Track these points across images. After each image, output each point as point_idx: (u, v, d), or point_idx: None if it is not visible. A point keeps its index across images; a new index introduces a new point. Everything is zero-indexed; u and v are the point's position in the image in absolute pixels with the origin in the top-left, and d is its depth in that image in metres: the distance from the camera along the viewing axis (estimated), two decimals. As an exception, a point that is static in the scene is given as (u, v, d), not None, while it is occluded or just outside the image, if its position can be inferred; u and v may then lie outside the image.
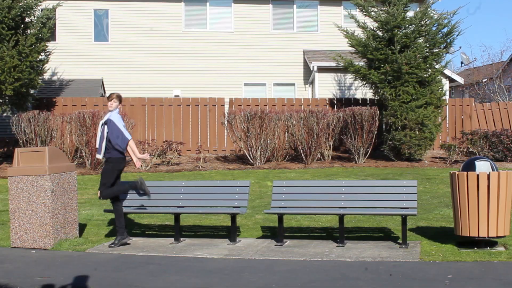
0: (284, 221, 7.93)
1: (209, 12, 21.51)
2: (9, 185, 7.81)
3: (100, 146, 7.81)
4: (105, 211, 8.43)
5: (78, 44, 20.71)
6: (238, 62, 21.25)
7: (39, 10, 15.96)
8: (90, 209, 10.13)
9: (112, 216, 9.47)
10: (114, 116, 7.84)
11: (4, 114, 18.08)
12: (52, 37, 18.43)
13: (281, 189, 8.02)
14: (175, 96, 20.20)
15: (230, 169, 14.58)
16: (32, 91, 16.47)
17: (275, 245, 7.63)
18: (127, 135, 7.83)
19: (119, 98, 8.00)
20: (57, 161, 7.91)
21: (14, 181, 7.76)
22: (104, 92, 20.41)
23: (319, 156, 15.49)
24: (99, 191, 7.85)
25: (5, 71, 14.25)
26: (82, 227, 8.78)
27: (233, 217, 7.91)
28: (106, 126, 7.77)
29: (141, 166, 14.54)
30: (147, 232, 8.83)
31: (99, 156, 7.87)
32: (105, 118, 7.87)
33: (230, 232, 7.99)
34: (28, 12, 15.36)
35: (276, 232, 8.03)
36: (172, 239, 8.12)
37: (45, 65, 15.93)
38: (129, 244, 7.83)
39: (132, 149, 7.90)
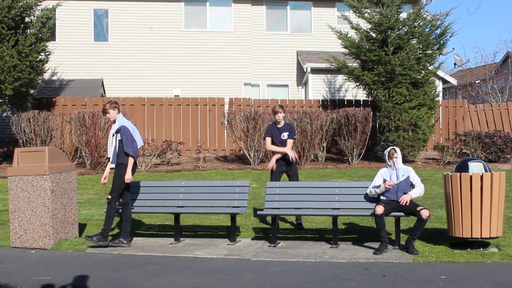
0: (277, 222, 8.00)
1: (209, 12, 21.56)
2: (9, 185, 7.85)
3: (114, 155, 7.76)
4: (104, 211, 8.50)
5: (78, 44, 20.77)
6: (238, 62, 21.32)
7: (39, 10, 16.02)
8: (90, 209, 10.20)
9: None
10: (125, 123, 7.81)
11: (4, 114, 18.16)
12: (52, 37, 18.47)
13: (274, 190, 8.08)
14: (175, 96, 20.28)
15: (230, 169, 14.66)
16: (32, 91, 16.54)
17: (268, 246, 7.69)
18: (140, 142, 7.85)
19: (114, 105, 7.86)
20: (57, 161, 7.96)
21: (14, 181, 7.81)
22: (104, 92, 20.48)
23: (313, 157, 15.56)
24: (109, 196, 7.77)
25: (5, 71, 14.32)
26: (82, 227, 8.84)
27: (233, 217, 7.98)
28: (119, 134, 7.73)
29: (142, 166, 14.62)
30: (147, 232, 8.90)
31: (112, 165, 7.83)
32: (115, 127, 7.79)
33: (230, 232, 8.06)
34: (28, 12, 15.42)
35: (269, 233, 8.10)
36: (172, 239, 8.19)
37: (45, 65, 15.99)
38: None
39: (128, 163, 7.74)
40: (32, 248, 7.74)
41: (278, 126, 8.81)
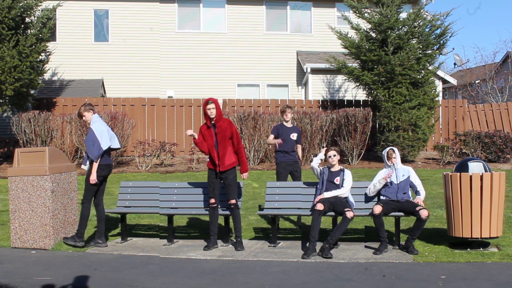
0: (277, 222, 8.01)
1: (202, 14, 21.54)
2: (9, 185, 7.87)
3: (86, 156, 7.78)
4: (105, 211, 8.50)
5: (78, 44, 20.75)
6: (232, 63, 21.31)
7: (39, 10, 16.00)
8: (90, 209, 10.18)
9: (112, 216, 9.61)
10: (94, 124, 7.71)
11: (4, 114, 18.16)
12: (52, 37, 18.47)
13: (274, 190, 8.09)
14: (169, 97, 20.28)
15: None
16: (32, 91, 16.52)
17: (268, 246, 7.70)
18: (106, 143, 7.65)
19: (88, 107, 7.82)
20: (57, 161, 7.97)
21: (14, 181, 7.83)
22: (104, 92, 20.48)
23: (312, 157, 15.55)
24: (83, 198, 7.79)
25: (5, 71, 14.31)
26: (82, 227, 8.86)
27: (226, 218, 7.97)
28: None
29: (142, 166, 14.62)
30: (147, 233, 8.89)
31: (84, 167, 7.83)
32: None
33: (224, 233, 8.04)
34: (28, 12, 15.41)
35: (269, 233, 8.10)
36: (165, 240, 8.17)
37: (45, 65, 15.97)
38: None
39: (93, 165, 7.65)
40: (33, 248, 7.75)
41: (287, 125, 8.91)
